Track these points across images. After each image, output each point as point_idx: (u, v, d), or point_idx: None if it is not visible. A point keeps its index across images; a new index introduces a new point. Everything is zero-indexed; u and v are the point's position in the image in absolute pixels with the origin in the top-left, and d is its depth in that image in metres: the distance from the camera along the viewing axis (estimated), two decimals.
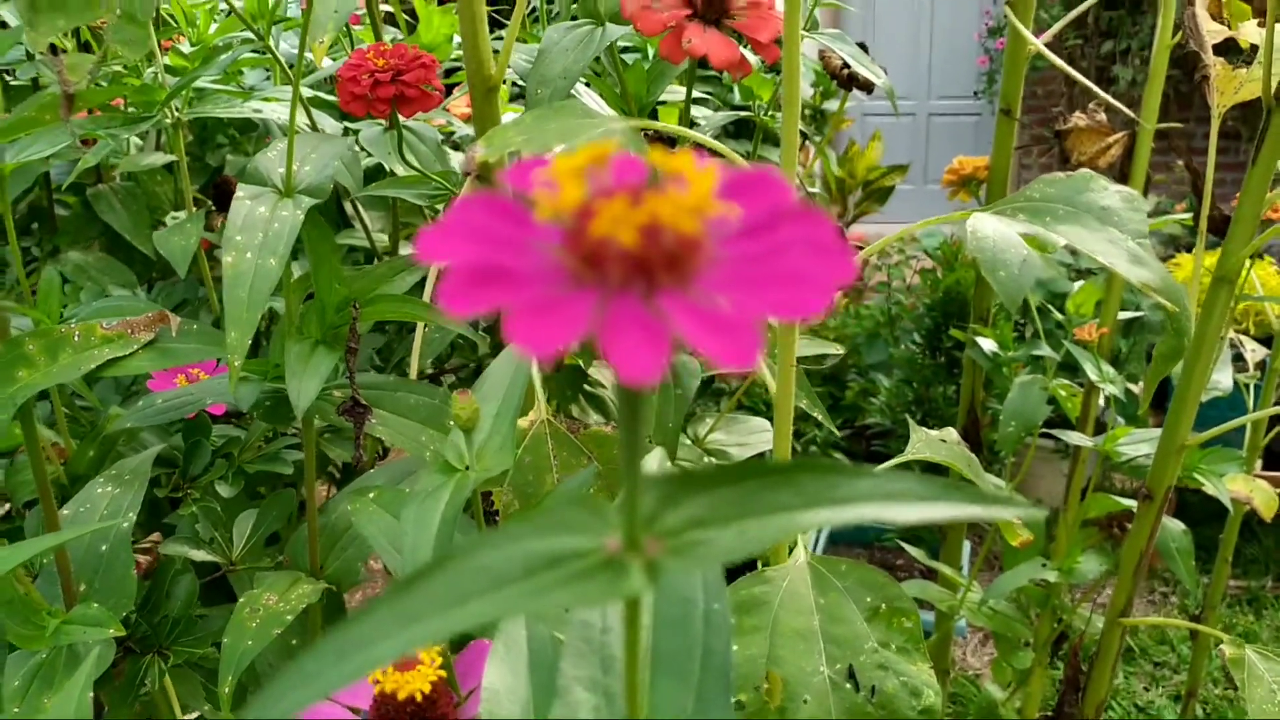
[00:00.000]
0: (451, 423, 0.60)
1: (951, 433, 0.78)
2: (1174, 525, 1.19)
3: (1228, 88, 0.87)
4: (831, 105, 2.44)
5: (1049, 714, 1.15)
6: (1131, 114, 1.15)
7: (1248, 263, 1.28)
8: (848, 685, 0.51)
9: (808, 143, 1.81)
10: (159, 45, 1.07)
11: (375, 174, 1.18)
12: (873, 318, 2.86)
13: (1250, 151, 0.84)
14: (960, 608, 1.27)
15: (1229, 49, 0.92)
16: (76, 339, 0.57)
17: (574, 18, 0.80)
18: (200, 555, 0.76)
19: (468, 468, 0.52)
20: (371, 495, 0.61)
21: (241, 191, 0.61)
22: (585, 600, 0.22)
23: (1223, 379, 1.25)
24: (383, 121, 1.05)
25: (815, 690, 0.50)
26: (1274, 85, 0.80)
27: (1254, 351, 1.38)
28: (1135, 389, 2.52)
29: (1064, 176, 0.54)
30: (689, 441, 1.01)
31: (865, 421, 2.66)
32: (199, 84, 1.11)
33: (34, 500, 0.80)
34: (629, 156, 0.22)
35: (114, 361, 0.57)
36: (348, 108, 0.76)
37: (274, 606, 0.64)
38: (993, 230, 0.51)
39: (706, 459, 0.99)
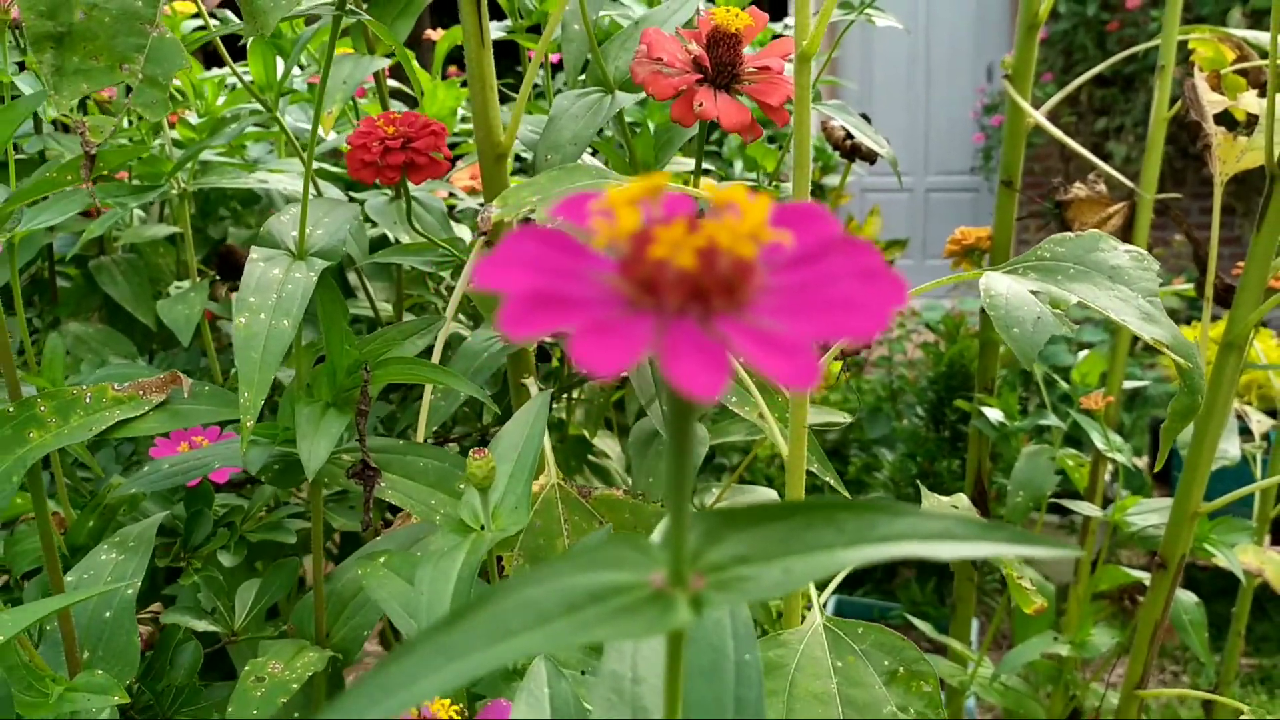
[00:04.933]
0: (462, 486, 0.60)
1: (962, 498, 0.78)
2: (1187, 597, 1.18)
3: (1229, 156, 0.88)
4: (831, 180, 2.47)
5: None
6: (1131, 184, 1.17)
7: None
8: None
9: None
10: (166, 119, 1.08)
11: (378, 246, 1.18)
12: (874, 392, 2.86)
13: (1245, 226, 0.84)
14: (971, 683, 1.25)
15: (1223, 121, 0.93)
16: (88, 400, 0.56)
17: (580, 85, 0.81)
18: (202, 625, 0.74)
19: (483, 527, 0.51)
20: (382, 560, 0.60)
21: (255, 254, 0.61)
22: (631, 634, 0.21)
23: (1230, 448, 1.25)
24: (388, 192, 1.06)
25: None
26: (1276, 153, 0.81)
27: (1259, 423, 1.38)
28: (1140, 463, 2.50)
29: (1073, 236, 0.55)
30: (695, 512, 1.00)
31: (869, 496, 2.64)
32: (204, 158, 1.12)
33: (33, 571, 0.79)
34: (679, 193, 0.22)
35: (125, 423, 0.57)
36: (357, 175, 0.76)
37: (279, 675, 0.62)
38: (1005, 288, 0.51)
39: None
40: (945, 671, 1.27)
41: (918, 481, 2.54)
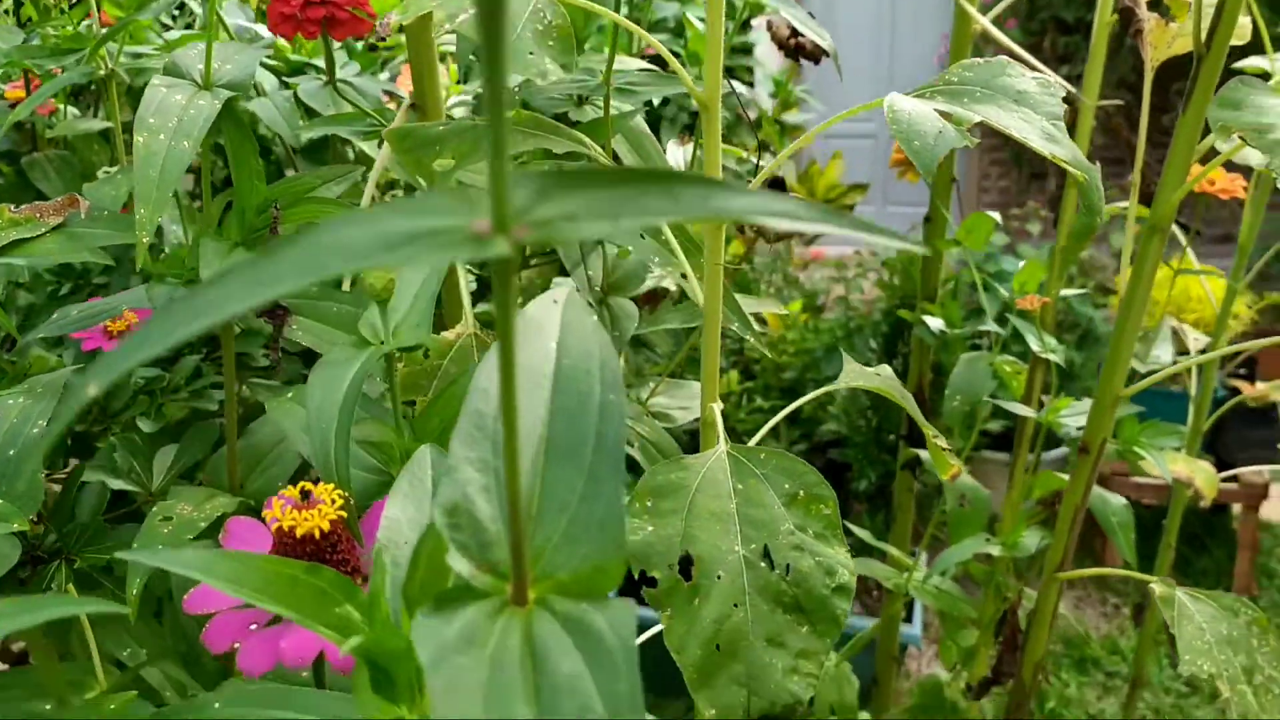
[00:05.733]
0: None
1: (885, 368, 0.78)
2: (1114, 499, 1.20)
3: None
4: (792, 118, 2.46)
5: (988, 676, 1.15)
6: (1073, 89, 1.17)
7: (1216, 288, 1.30)
8: (763, 564, 0.50)
9: (767, 153, 1.82)
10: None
11: (315, 145, 1.18)
12: (831, 331, 2.87)
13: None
14: (907, 585, 1.26)
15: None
16: None
17: None
18: (118, 484, 0.73)
19: (383, 342, 0.51)
20: (290, 395, 0.60)
21: (157, 80, 0.60)
22: (448, 257, 0.21)
23: (1163, 354, 1.27)
24: (323, 76, 1.05)
25: (730, 568, 0.49)
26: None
27: (1196, 340, 1.40)
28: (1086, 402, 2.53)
29: (981, 62, 0.55)
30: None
31: (821, 431, 2.66)
32: (138, 53, 1.10)
33: None
34: None
35: (21, 243, 0.55)
36: (277, 29, 0.75)
37: (188, 515, 0.62)
38: (910, 106, 0.51)
39: (650, 419, 0.98)
40: (882, 574, 1.28)
41: (867, 413, 2.51)
